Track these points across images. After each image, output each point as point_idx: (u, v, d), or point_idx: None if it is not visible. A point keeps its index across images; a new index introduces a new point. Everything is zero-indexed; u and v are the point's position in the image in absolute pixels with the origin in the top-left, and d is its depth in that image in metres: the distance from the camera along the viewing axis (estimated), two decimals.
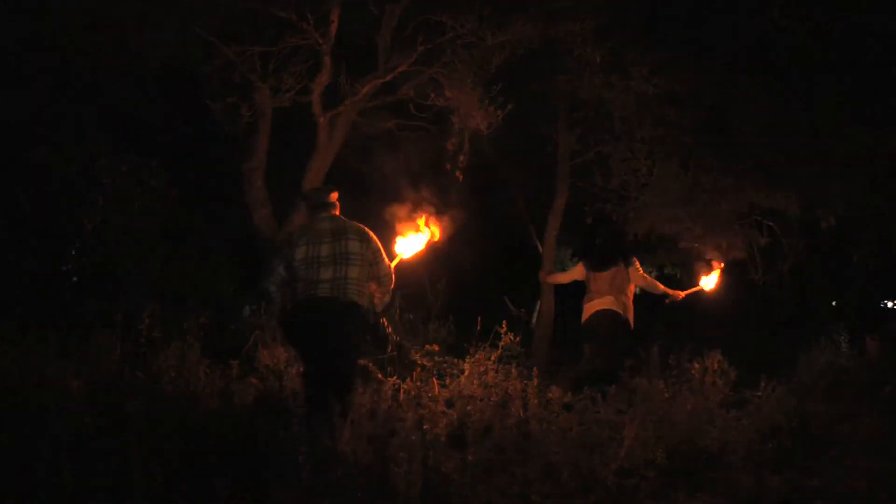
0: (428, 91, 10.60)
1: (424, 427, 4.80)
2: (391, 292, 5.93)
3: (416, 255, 7.31)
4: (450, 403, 5.59)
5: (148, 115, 10.25)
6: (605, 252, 8.93)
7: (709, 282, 10.47)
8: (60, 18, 8.64)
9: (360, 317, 5.44)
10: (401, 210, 7.37)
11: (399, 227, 7.13)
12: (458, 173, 10.43)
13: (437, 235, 7.29)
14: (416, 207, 7.38)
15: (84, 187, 8.63)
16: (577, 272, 8.94)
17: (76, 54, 8.89)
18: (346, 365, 5.36)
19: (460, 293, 11.65)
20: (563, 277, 9.47)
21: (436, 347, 8.87)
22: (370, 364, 7.52)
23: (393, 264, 6.03)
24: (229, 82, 10.18)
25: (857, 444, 6.66)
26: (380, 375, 6.61)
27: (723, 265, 10.84)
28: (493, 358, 7.36)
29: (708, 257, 11.04)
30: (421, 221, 7.20)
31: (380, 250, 5.64)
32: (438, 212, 7.62)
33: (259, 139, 10.17)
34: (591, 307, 8.42)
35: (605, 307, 8.32)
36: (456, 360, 8.29)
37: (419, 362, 7.87)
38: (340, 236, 5.33)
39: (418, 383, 6.07)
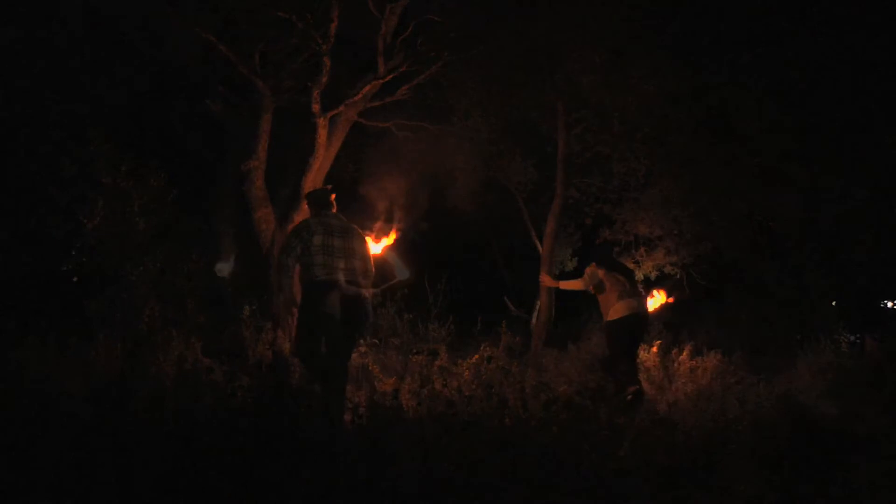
0: (428, 91, 10.64)
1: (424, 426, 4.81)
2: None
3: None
4: (451, 404, 5.59)
5: (148, 114, 10.24)
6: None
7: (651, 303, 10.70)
8: (61, 17, 8.65)
9: (367, 305, 6.33)
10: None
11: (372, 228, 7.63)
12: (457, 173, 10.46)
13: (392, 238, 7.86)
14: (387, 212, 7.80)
15: (84, 187, 8.59)
16: (590, 279, 8.60)
17: (76, 53, 8.89)
18: (345, 349, 6.16)
19: (461, 293, 11.65)
20: (574, 285, 9.12)
21: (437, 347, 8.91)
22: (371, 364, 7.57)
23: None
24: (230, 82, 10.20)
25: (857, 444, 6.65)
26: (380, 375, 6.62)
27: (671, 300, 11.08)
28: (493, 358, 7.37)
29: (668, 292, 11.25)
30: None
31: (369, 251, 6.61)
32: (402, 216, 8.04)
33: (259, 139, 10.17)
34: (633, 306, 8.24)
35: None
36: (457, 360, 8.30)
37: (420, 362, 7.89)
38: (347, 234, 6.20)
39: (418, 383, 6.08)
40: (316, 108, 10.08)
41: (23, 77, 8.96)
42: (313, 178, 10.12)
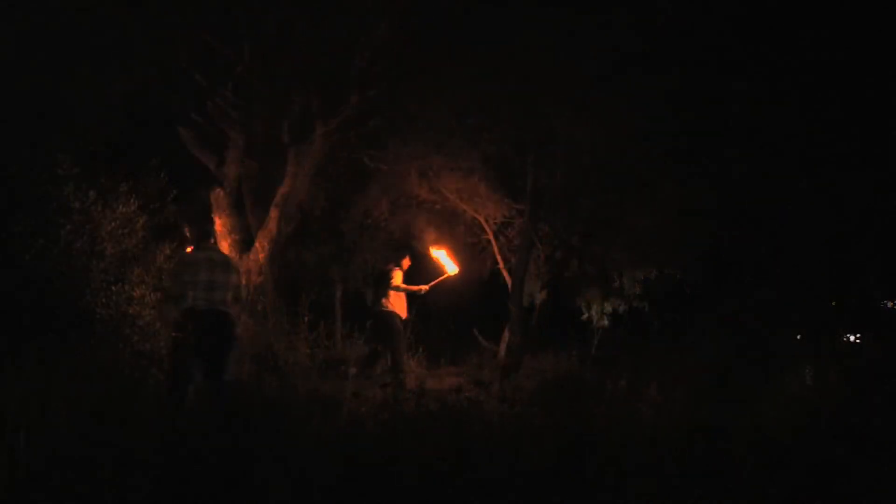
0: (402, 122, 10.70)
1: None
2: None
3: None
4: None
5: (118, 140, 10.07)
6: None
7: None
8: (33, 45, 8.54)
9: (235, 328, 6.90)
10: None
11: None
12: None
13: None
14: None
15: (52, 212, 8.38)
16: None
17: (48, 78, 8.76)
18: (224, 362, 6.59)
19: (431, 323, 11.65)
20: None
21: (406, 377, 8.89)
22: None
23: None
24: (202, 110, 10.12)
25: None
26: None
27: None
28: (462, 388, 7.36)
29: None
30: None
31: (240, 280, 7.27)
32: None
33: (230, 167, 10.08)
34: None
35: None
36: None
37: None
38: (227, 269, 6.77)
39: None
40: (286, 137, 10.11)
41: None
42: (283, 207, 10.09)
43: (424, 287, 9.97)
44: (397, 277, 9.80)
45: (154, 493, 4.06)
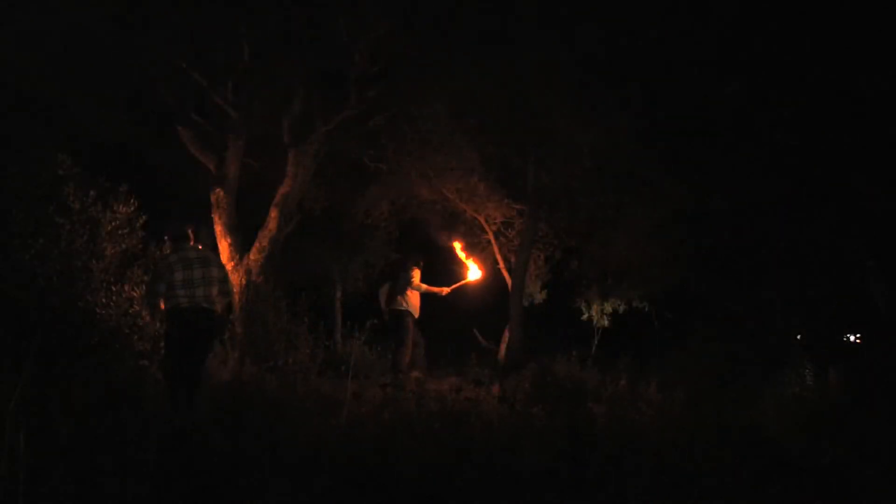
0: (401, 123, 10.69)
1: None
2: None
3: None
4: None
5: (119, 140, 10.07)
6: None
7: None
8: (34, 45, 8.54)
9: (218, 321, 7.03)
10: None
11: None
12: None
13: None
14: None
15: (52, 212, 8.39)
16: None
17: (48, 79, 8.76)
18: (204, 356, 6.82)
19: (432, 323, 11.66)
20: None
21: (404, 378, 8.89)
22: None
23: None
24: (202, 110, 10.10)
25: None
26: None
27: None
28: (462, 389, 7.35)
29: None
30: None
31: (226, 273, 7.25)
32: None
33: (230, 167, 10.05)
34: None
35: None
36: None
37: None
38: (205, 264, 6.81)
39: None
40: (287, 137, 10.08)
41: None
42: (282, 206, 10.07)
43: (445, 289, 10.04)
44: (417, 276, 9.83)
45: (154, 493, 4.06)
